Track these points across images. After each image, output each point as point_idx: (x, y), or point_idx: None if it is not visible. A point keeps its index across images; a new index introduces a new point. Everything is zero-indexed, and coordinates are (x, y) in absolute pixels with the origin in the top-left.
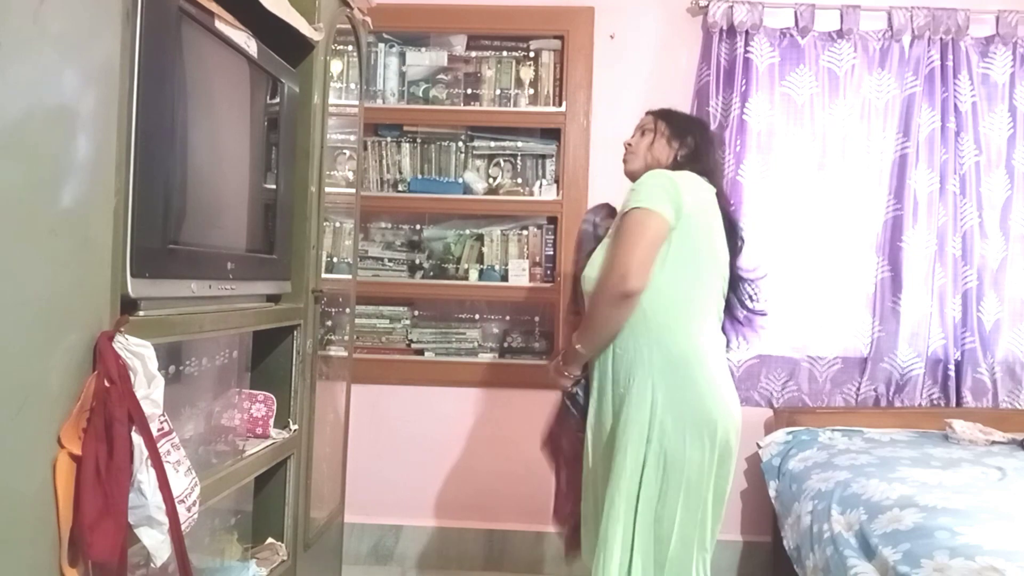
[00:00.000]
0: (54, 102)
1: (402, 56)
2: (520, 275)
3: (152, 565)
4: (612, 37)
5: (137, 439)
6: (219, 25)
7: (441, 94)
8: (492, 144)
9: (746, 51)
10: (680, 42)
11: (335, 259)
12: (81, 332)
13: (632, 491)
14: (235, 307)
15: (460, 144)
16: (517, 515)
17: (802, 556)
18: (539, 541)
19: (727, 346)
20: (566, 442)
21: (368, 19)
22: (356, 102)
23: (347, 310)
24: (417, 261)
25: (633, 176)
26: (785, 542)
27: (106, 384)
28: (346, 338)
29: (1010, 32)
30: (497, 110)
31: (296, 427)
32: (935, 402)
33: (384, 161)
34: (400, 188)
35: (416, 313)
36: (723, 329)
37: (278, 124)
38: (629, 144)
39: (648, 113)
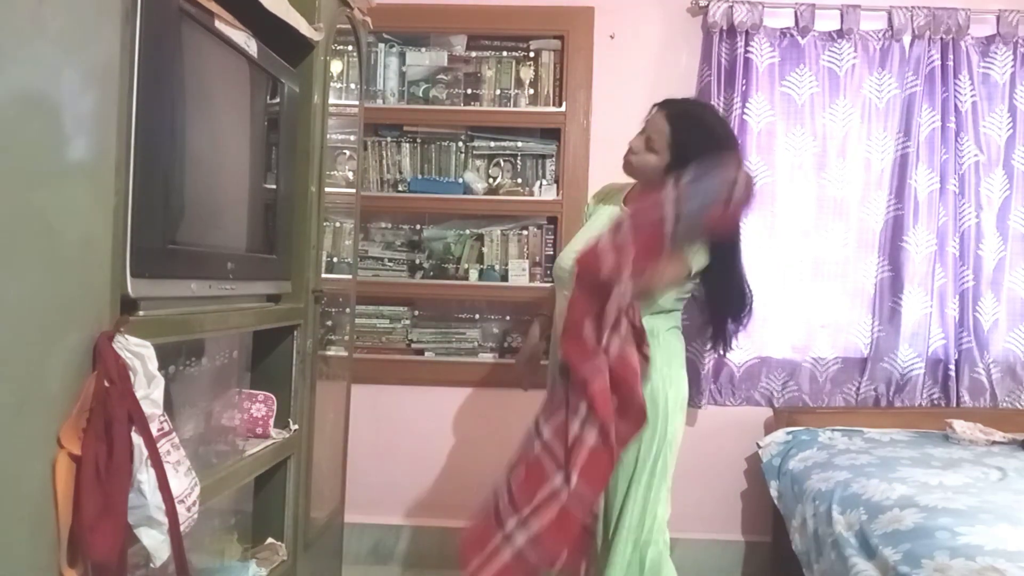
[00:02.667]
0: (53, 102)
1: (402, 56)
2: (520, 275)
3: (152, 565)
4: (612, 37)
5: (137, 439)
6: (219, 25)
7: (441, 94)
8: (492, 144)
9: (746, 51)
10: (680, 42)
11: (335, 259)
12: (81, 332)
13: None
14: (235, 307)
15: (460, 144)
16: None
17: (811, 560)
18: None
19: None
20: None
21: (368, 19)
22: (356, 102)
23: (347, 310)
24: (417, 261)
25: (632, 176)
26: (794, 545)
27: (106, 384)
28: (346, 338)
29: (1011, 32)
30: (497, 110)
31: (296, 427)
32: (935, 402)
33: (384, 161)
34: (400, 188)
35: (416, 313)
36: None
37: (278, 124)
38: (633, 153)
39: (659, 113)
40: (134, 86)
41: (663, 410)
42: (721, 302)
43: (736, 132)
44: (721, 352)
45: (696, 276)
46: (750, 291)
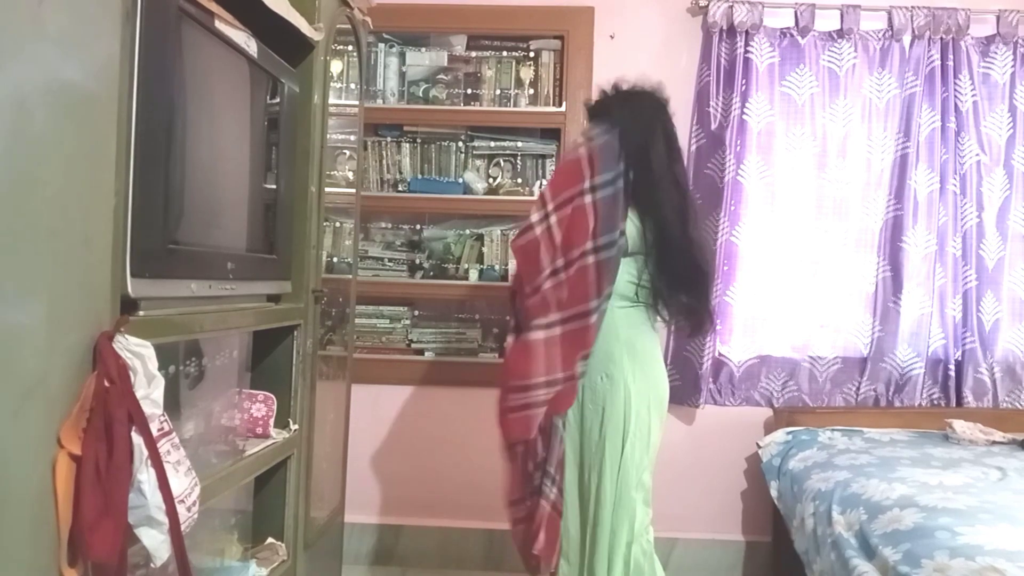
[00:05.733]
0: (53, 102)
1: (402, 56)
2: None
3: (152, 565)
4: (612, 37)
5: (137, 439)
6: (219, 25)
7: (441, 94)
8: (492, 144)
9: (746, 51)
10: (680, 42)
11: (335, 259)
12: (81, 332)
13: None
14: (235, 307)
15: (460, 144)
16: None
17: (810, 560)
18: None
19: None
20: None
21: (368, 19)
22: (356, 102)
23: (347, 310)
24: (417, 261)
25: None
26: (796, 544)
27: (106, 384)
28: (346, 338)
29: (1011, 32)
30: (497, 110)
31: (296, 427)
32: (935, 402)
33: (384, 161)
34: (400, 188)
35: (416, 313)
36: None
37: (278, 124)
38: None
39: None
40: (134, 86)
41: (624, 402)
42: (669, 275)
43: (736, 132)
44: (703, 335)
45: (638, 250)
46: (703, 266)
